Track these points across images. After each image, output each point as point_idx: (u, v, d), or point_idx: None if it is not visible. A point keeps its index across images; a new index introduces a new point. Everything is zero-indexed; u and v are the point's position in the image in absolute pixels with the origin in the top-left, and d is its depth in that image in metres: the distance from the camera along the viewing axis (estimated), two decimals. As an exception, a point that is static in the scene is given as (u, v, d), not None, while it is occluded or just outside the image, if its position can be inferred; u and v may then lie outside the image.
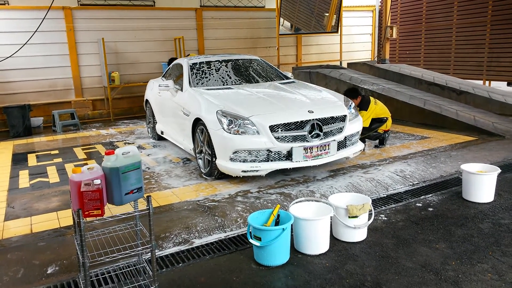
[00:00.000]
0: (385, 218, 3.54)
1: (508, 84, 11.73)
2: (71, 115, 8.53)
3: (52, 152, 6.42)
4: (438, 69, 11.99)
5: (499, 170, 3.75)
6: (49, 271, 2.84)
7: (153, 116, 6.73)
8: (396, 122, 7.23)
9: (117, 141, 7.03)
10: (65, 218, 3.74)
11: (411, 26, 13.54)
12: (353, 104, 5.05)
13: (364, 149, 5.41)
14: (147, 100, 7.09)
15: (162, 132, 6.35)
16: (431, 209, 3.69)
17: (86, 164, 5.60)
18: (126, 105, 9.81)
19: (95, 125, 8.87)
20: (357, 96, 5.60)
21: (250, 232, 2.87)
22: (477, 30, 11.43)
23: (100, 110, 9.54)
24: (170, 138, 6.02)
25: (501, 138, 6.08)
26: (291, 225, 2.87)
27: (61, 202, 4.18)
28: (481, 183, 3.71)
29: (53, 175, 5.14)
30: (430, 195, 4.05)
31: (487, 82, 11.41)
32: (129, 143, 6.84)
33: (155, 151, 6.19)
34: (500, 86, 11.16)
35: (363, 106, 5.58)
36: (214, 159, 4.43)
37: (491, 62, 11.13)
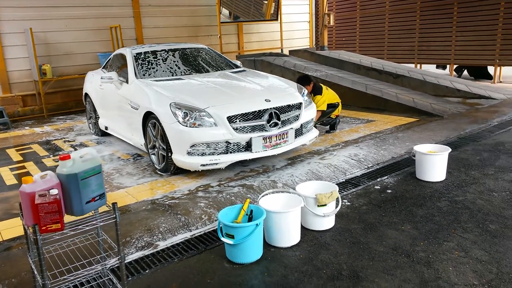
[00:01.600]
0: (348, 203, 3.59)
1: (437, 67, 12.55)
2: (-1, 113, 7.73)
3: (-19, 156, 5.76)
4: (373, 54, 12.49)
5: (450, 150, 3.95)
6: (-4, 293, 2.52)
7: (95, 110, 6.28)
8: (342, 106, 7.39)
9: (55, 139, 6.48)
10: (8, 229, 3.35)
11: (347, 13, 13.93)
12: (306, 91, 5.06)
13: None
14: (86, 94, 6.59)
15: (106, 128, 5.95)
16: (389, 191, 3.80)
17: (24, 166, 5.11)
18: (61, 99, 9.07)
19: (27, 122, 8.11)
20: (310, 83, 5.69)
21: (221, 230, 2.75)
22: (408, 16, 12.03)
23: (32, 106, 8.74)
24: (116, 134, 5.66)
25: (440, 118, 6.45)
26: (262, 219, 2.79)
27: (0, 211, 3.74)
28: (435, 163, 3.89)
29: (-15, 182, 4.61)
30: (386, 177, 4.17)
31: (418, 65, 12.09)
32: (69, 141, 6.33)
33: (100, 148, 5.79)
34: (429, 68, 11.89)
35: (316, 91, 5.67)
36: (169, 154, 4.22)
37: (422, 47, 11.79)
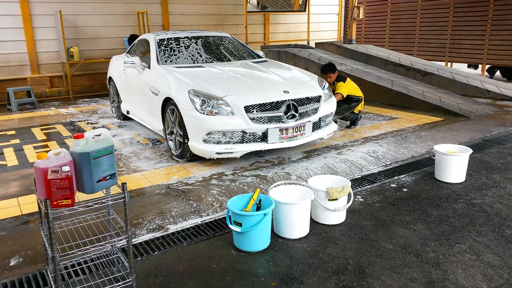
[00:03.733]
0: (362, 200, 3.54)
1: (469, 66, 12.15)
2: (27, 93, 7.97)
3: (8, 133, 5.97)
4: (403, 50, 12.19)
5: (471, 151, 3.83)
6: (12, 263, 2.62)
7: (118, 94, 6.39)
8: (365, 102, 7.27)
9: (78, 121, 6.65)
10: (27, 204, 3.48)
11: (377, 7, 13.62)
12: (327, 84, 4.99)
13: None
14: (110, 78, 6.72)
15: (128, 112, 6.06)
16: (405, 189, 3.73)
17: (47, 145, 5.27)
18: (87, 82, 9.29)
19: (53, 103, 8.35)
20: (334, 71, 5.67)
21: (230, 218, 2.77)
22: (441, 12, 11.66)
23: (58, 87, 8.98)
24: (137, 118, 5.75)
25: (466, 118, 6.26)
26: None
27: (21, 187, 3.88)
28: (454, 164, 3.78)
29: (11, 158, 4.78)
30: (404, 175, 4.09)
31: (449, 64, 11.74)
32: (92, 123, 6.48)
33: (121, 132, 5.90)
34: (461, 67, 11.53)
35: (341, 78, 5.65)
36: (186, 141, 4.26)
37: (454, 44, 11.42)
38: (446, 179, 3.85)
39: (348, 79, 5.76)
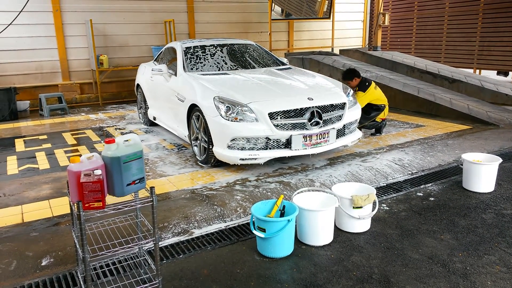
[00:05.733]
0: (387, 208, 3.50)
1: (498, 73, 11.82)
2: (58, 99, 8.27)
3: (40, 137, 6.20)
4: (429, 57, 11.98)
5: (500, 160, 3.73)
6: (43, 263, 2.72)
7: (145, 101, 6.55)
8: (390, 110, 7.18)
9: (107, 126, 6.84)
10: (58, 206, 3.60)
11: (403, 14, 13.47)
12: (352, 91, 4.97)
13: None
14: (138, 85, 6.89)
15: (154, 118, 6.19)
16: (432, 198, 3.67)
17: (77, 150, 5.44)
18: (115, 89, 9.55)
19: (83, 109, 8.62)
20: (353, 78, 5.56)
21: (254, 223, 2.79)
22: (469, 18, 11.42)
23: (88, 94, 9.27)
24: (163, 124, 5.87)
25: (495, 127, 6.10)
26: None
27: (52, 189, 4.03)
28: (483, 173, 3.69)
29: (42, 161, 4.96)
30: (430, 184, 4.02)
31: (477, 71, 11.46)
32: (120, 129, 6.66)
33: (147, 137, 6.04)
34: (489, 75, 11.23)
35: (361, 87, 5.54)
36: (210, 147, 4.32)
37: (482, 51, 11.15)
38: (475, 189, 3.76)
39: (370, 87, 5.56)
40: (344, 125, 4.55)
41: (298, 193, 3.11)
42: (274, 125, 4.06)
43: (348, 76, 5.61)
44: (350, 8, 12.86)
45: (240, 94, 4.30)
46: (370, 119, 5.58)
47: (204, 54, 5.60)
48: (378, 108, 5.59)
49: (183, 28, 10.03)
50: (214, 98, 4.24)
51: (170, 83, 5.34)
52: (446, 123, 6.44)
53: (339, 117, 4.47)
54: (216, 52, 5.69)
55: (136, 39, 9.53)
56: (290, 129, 4.12)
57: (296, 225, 2.93)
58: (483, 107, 7.11)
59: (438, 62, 11.10)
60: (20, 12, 7.35)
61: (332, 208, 2.88)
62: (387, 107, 5.73)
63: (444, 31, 12.17)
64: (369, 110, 5.56)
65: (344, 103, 4.53)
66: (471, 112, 6.73)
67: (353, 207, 3.00)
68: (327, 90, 4.71)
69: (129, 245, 2.21)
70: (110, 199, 2.18)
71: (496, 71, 11.74)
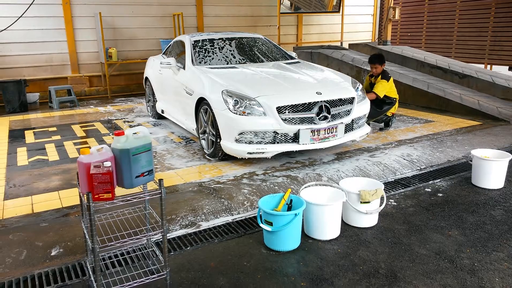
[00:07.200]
0: (395, 203, 3.49)
1: (510, 69, 11.64)
2: (67, 91, 8.33)
3: (50, 129, 6.26)
4: (440, 52, 11.84)
5: (511, 156, 3.69)
6: (53, 253, 2.76)
7: (153, 94, 6.57)
8: (400, 105, 7.14)
9: (116, 119, 6.88)
10: (67, 198, 3.65)
11: (414, 8, 13.31)
12: (361, 86, 4.93)
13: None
14: (146, 78, 6.91)
15: (162, 111, 6.21)
16: (440, 194, 3.64)
17: (86, 142, 5.49)
18: (124, 82, 9.59)
19: (92, 102, 8.68)
20: (382, 63, 5.53)
21: (261, 217, 2.80)
22: (481, 13, 11.25)
23: (97, 86, 9.32)
24: (171, 117, 5.89)
25: (506, 123, 6.03)
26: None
27: (62, 181, 4.07)
28: (492, 169, 3.66)
29: (52, 153, 5.02)
30: (439, 180, 4.00)
31: (488, 66, 11.31)
32: (128, 122, 6.69)
33: (155, 130, 6.07)
34: (501, 70, 11.07)
35: (385, 76, 5.50)
36: (218, 140, 4.33)
37: (494, 46, 11.00)
38: (484, 185, 3.73)
39: (391, 78, 5.55)
40: (352, 120, 4.53)
41: (305, 187, 3.11)
42: (282, 119, 4.05)
43: (378, 60, 5.49)
44: (360, 2, 12.73)
45: (249, 88, 4.29)
46: (381, 113, 5.55)
47: (212, 47, 5.60)
48: (390, 102, 5.57)
49: (191, 22, 10.02)
50: (222, 91, 4.24)
51: (178, 76, 5.35)
52: (456, 119, 6.38)
53: (348, 112, 4.45)
54: (224, 45, 5.68)
55: (145, 32, 9.54)
56: (298, 123, 4.11)
57: (303, 219, 2.93)
58: (494, 103, 7.02)
59: (449, 57, 10.98)
60: (31, 4, 7.39)
61: (339, 202, 2.88)
62: (397, 101, 5.70)
63: (455, 25, 12.01)
64: (381, 104, 5.54)
65: (353, 98, 4.51)
66: (482, 108, 6.66)
67: (361, 202, 3.00)
68: (335, 84, 4.69)
69: (138, 236, 2.24)
70: (119, 191, 2.20)
71: (508, 67, 11.58)
